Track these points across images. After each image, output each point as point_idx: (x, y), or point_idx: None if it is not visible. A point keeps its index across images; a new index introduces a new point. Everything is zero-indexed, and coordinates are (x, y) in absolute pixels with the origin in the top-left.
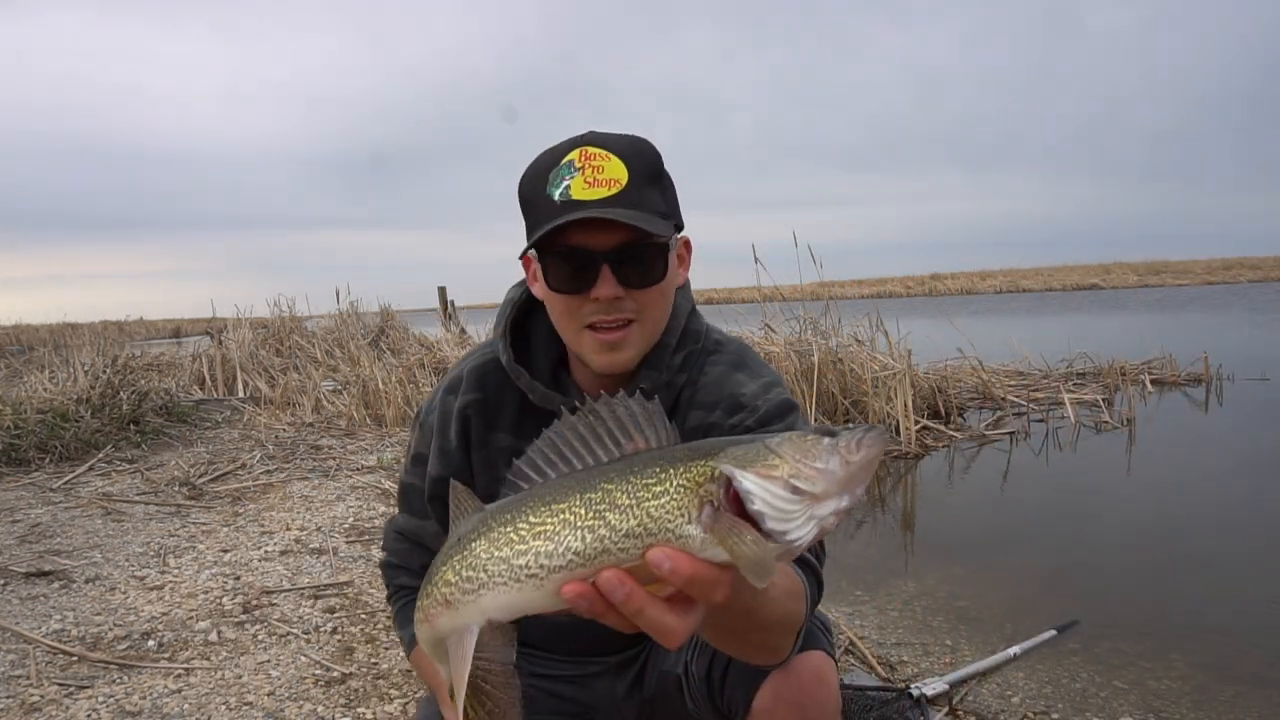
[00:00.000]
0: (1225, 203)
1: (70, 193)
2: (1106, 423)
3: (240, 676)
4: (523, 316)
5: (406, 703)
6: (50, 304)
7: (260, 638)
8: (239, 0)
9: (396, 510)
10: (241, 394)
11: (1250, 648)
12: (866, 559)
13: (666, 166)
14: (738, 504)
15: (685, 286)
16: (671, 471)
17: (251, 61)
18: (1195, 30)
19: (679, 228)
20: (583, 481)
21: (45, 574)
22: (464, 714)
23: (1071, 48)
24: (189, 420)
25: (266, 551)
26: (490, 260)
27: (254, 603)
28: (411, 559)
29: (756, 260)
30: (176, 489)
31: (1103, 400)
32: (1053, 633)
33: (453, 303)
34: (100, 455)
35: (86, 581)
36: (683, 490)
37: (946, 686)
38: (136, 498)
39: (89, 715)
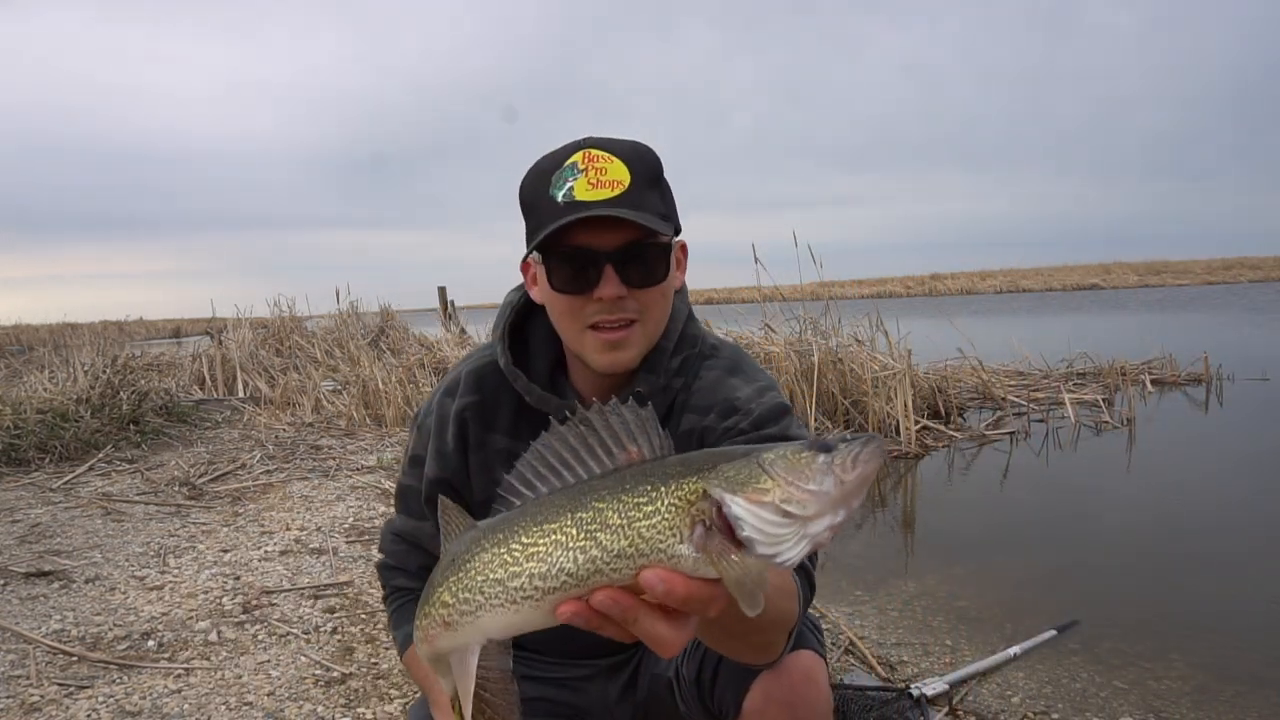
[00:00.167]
0: (1225, 203)
1: (70, 193)
2: (1106, 423)
3: (240, 676)
4: (521, 320)
5: (406, 703)
6: (50, 304)
7: (260, 638)
8: (239, 0)
9: (394, 511)
10: (241, 394)
11: (1250, 648)
12: (866, 559)
13: (667, 167)
14: (729, 522)
15: (682, 290)
16: (663, 489)
17: (252, 61)
18: (1195, 30)
19: (677, 232)
20: (574, 499)
21: (45, 574)
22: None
23: (1071, 48)
24: (189, 420)
25: (266, 551)
26: (490, 260)
27: (254, 603)
28: (408, 560)
29: (756, 260)
30: (176, 489)
31: (1103, 400)
32: (1053, 633)
33: (453, 303)
34: (100, 455)
35: (86, 581)
36: (674, 509)
37: (946, 686)
38: (136, 498)
39: (89, 715)
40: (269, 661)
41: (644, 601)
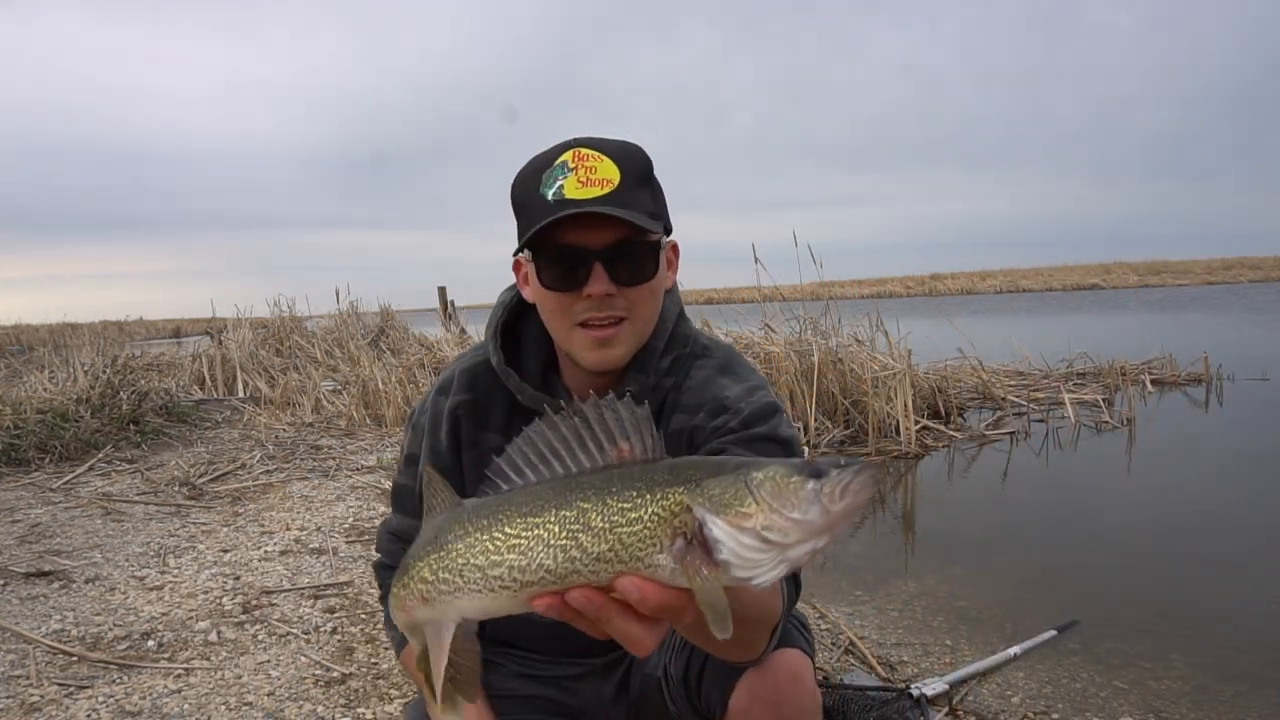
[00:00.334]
0: (1225, 203)
1: (70, 193)
2: (1106, 423)
3: (240, 676)
4: (513, 319)
5: (406, 703)
6: (50, 304)
7: (260, 638)
8: (239, 0)
9: (390, 511)
10: (241, 394)
11: (1250, 648)
12: (866, 559)
13: (668, 166)
14: (708, 542)
15: (673, 290)
16: (649, 497)
17: (252, 61)
18: (1195, 30)
19: (668, 231)
20: (560, 495)
21: (45, 574)
22: (428, 684)
23: (1071, 48)
24: (189, 420)
25: (266, 551)
26: (490, 260)
27: (254, 603)
28: None
29: (756, 260)
30: (176, 489)
31: (1103, 400)
32: (1053, 633)
33: (453, 303)
34: (100, 455)
35: (86, 581)
36: (657, 519)
37: (946, 686)
38: (136, 498)
39: (89, 715)
40: (269, 661)
41: (617, 603)
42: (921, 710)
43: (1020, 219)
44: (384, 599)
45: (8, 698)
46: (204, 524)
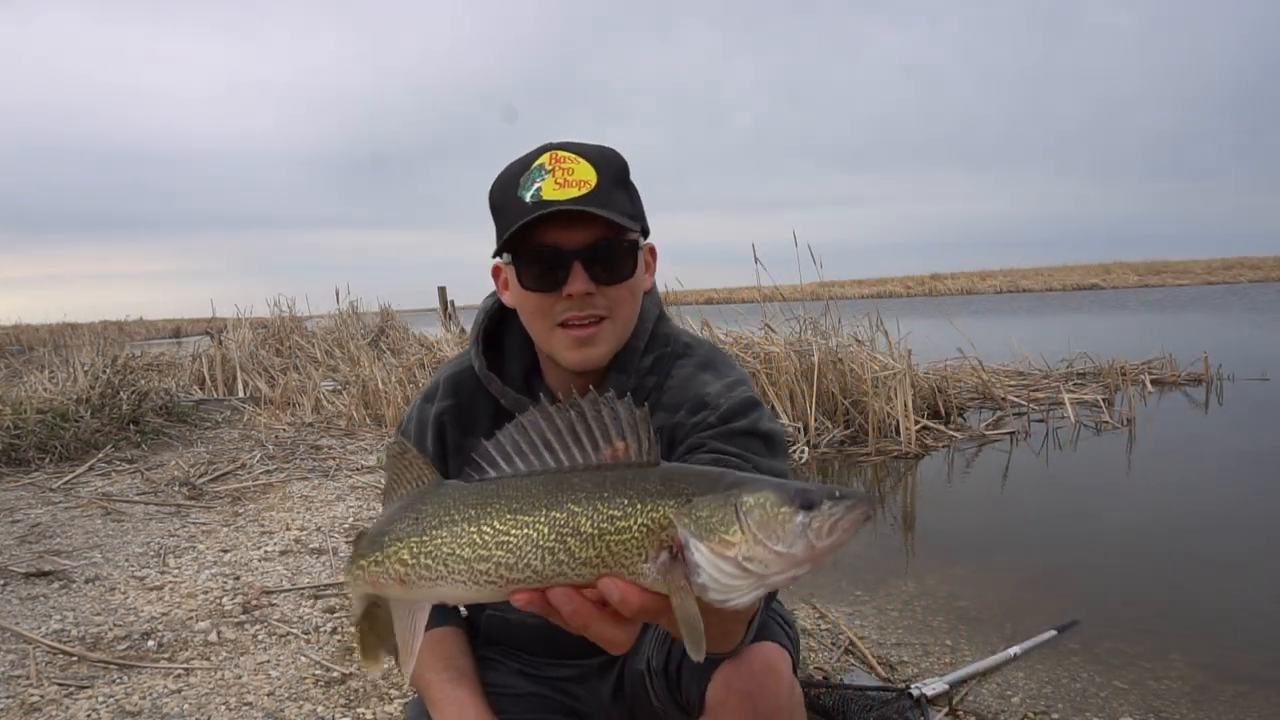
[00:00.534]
0: (1225, 203)
1: (70, 193)
2: (1106, 423)
3: (240, 677)
4: (496, 325)
5: (406, 703)
6: (50, 304)
7: (260, 638)
8: (239, 0)
9: None
10: (241, 394)
11: (1250, 648)
12: (866, 559)
13: (668, 166)
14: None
15: (653, 292)
16: (639, 507)
17: (252, 61)
18: (1195, 30)
19: (645, 234)
20: (551, 494)
21: (45, 574)
22: (362, 640)
23: (1071, 48)
24: (189, 420)
25: (266, 551)
26: (490, 261)
27: (254, 603)
28: None
29: (756, 260)
30: (176, 489)
31: (1103, 400)
32: (1053, 633)
33: (453, 303)
34: (100, 455)
35: (86, 581)
36: (645, 530)
37: (946, 686)
38: (136, 498)
39: (89, 715)
40: (269, 661)
41: (596, 604)
42: (921, 710)
43: (1020, 219)
44: None
45: (8, 698)
46: (204, 524)
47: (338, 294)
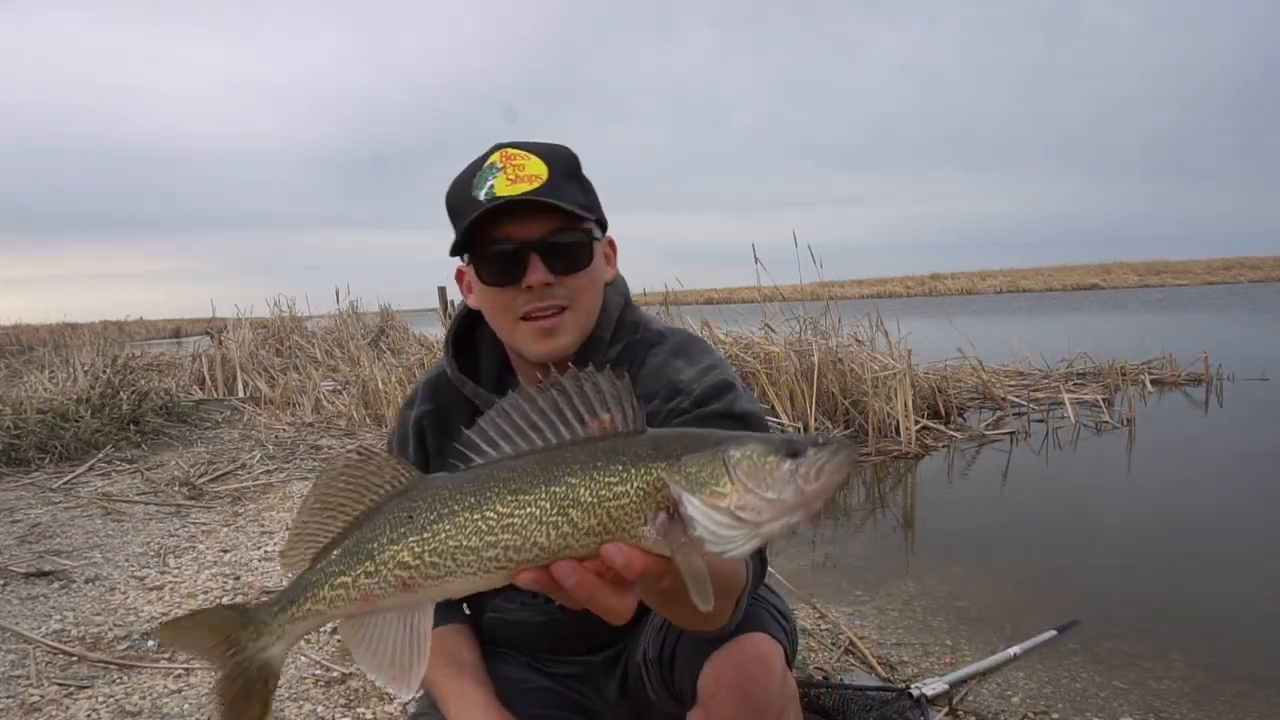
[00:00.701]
0: (1225, 203)
1: (70, 193)
2: (1106, 423)
3: None
4: (468, 329)
5: (406, 703)
6: (50, 304)
7: None
8: (239, 0)
9: None
10: (241, 394)
11: (1250, 648)
12: (866, 559)
13: (668, 166)
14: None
15: (617, 283)
16: (633, 472)
17: (252, 61)
18: (1195, 30)
19: (603, 226)
20: (546, 470)
21: (45, 574)
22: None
23: (1071, 48)
24: (189, 420)
25: (266, 551)
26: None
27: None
28: None
29: (756, 260)
30: (176, 489)
31: (1103, 400)
32: (1053, 633)
33: (453, 303)
34: (100, 455)
35: (86, 581)
36: (641, 494)
37: (946, 686)
38: (136, 498)
39: (89, 715)
40: None
41: (597, 574)
42: (921, 710)
43: (1020, 219)
44: None
45: (8, 698)
46: (204, 524)
47: (338, 294)
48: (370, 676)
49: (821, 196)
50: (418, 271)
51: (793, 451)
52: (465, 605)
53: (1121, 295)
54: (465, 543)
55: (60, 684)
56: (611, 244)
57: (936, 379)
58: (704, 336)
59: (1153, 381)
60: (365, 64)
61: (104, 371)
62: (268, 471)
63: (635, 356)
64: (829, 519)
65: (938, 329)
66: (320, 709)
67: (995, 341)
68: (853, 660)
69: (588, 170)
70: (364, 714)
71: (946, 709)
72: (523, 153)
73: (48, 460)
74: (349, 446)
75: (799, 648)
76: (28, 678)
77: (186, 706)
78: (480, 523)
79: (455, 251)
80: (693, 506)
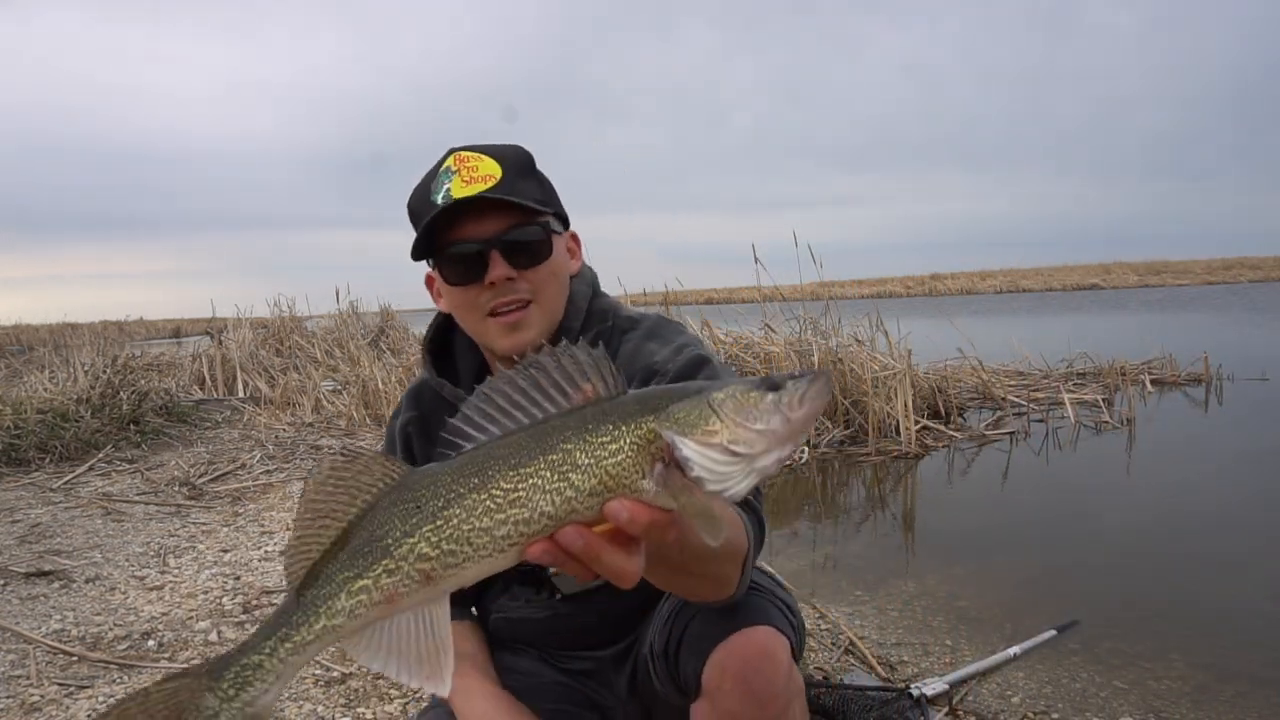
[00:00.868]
0: (1225, 203)
1: (70, 193)
2: (1106, 423)
3: None
4: (445, 335)
5: (406, 703)
6: (50, 304)
7: None
8: (239, 0)
9: None
10: (241, 394)
11: (1250, 648)
12: (866, 559)
13: (668, 166)
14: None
15: (583, 274)
16: (624, 429)
17: (252, 61)
18: (1195, 30)
19: (564, 221)
20: (540, 441)
21: (45, 574)
22: None
23: (1071, 48)
24: (189, 420)
25: (267, 551)
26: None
27: (254, 603)
28: None
29: (756, 260)
30: (176, 489)
31: (1103, 400)
32: (1053, 633)
33: None
34: (100, 455)
35: (86, 581)
36: (636, 448)
37: (946, 686)
38: (136, 498)
39: (89, 715)
40: None
41: (603, 537)
42: (921, 710)
43: (1020, 219)
44: None
45: (8, 698)
46: (204, 524)
47: (338, 294)
48: (403, 681)
49: (821, 196)
50: (418, 272)
51: (773, 385)
52: (473, 608)
53: (1121, 295)
54: (478, 524)
55: (60, 684)
56: (575, 238)
57: (936, 379)
58: (704, 336)
59: (1153, 381)
60: (365, 64)
61: (104, 371)
62: (268, 471)
63: (609, 343)
64: (829, 519)
65: (938, 329)
66: (320, 709)
67: (995, 341)
68: (853, 660)
69: (589, 169)
70: (364, 714)
71: (946, 709)
72: (476, 154)
73: (48, 460)
74: (335, 449)
75: None
76: (28, 678)
77: None
78: (489, 502)
79: (416, 255)
80: (687, 448)
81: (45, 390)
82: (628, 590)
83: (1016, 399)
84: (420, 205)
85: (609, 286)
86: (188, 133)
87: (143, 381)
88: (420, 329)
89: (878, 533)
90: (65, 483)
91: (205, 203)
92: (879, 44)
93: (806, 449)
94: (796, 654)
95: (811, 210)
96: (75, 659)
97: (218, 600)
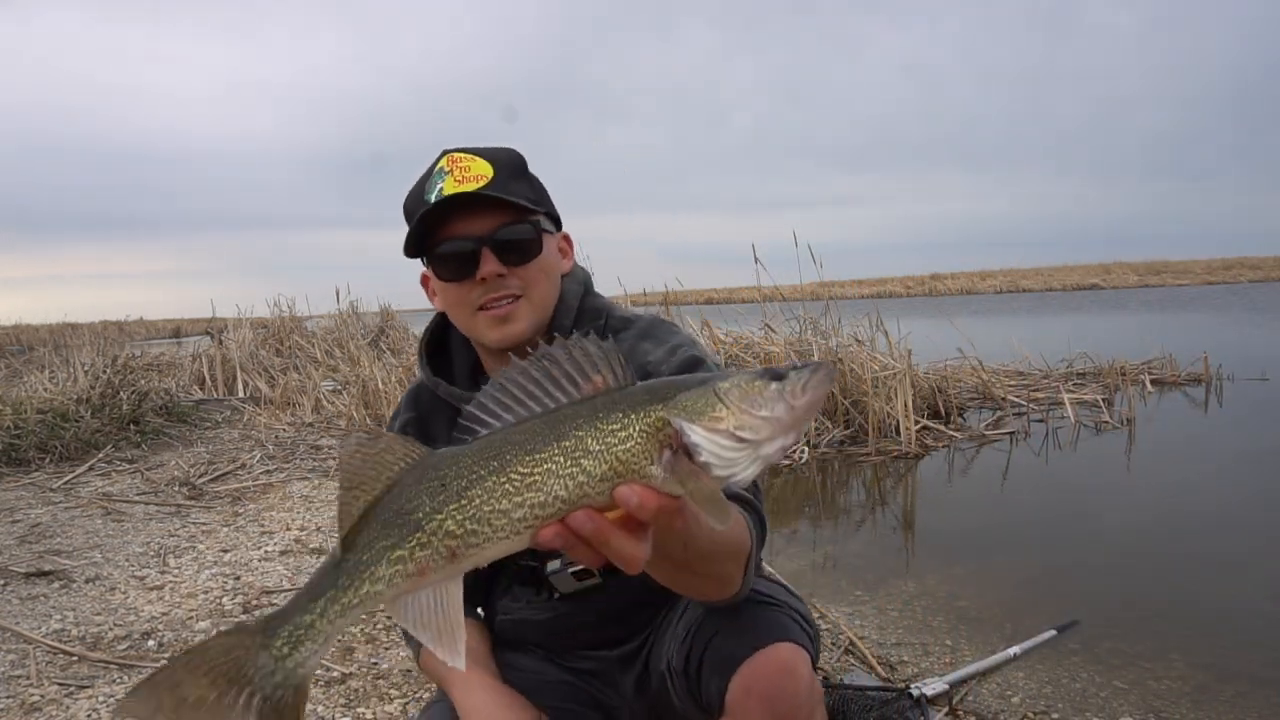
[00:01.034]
0: (1225, 203)
1: (70, 193)
2: (1106, 423)
3: None
4: (441, 335)
5: (406, 703)
6: (50, 304)
7: None
8: (239, 0)
9: None
10: (241, 394)
11: (1250, 648)
12: (866, 559)
13: (667, 166)
14: (689, 448)
15: (575, 274)
16: (633, 417)
17: (252, 61)
18: (1195, 30)
19: (556, 221)
20: (554, 428)
21: (45, 574)
22: None
23: (1071, 48)
24: (189, 420)
25: (266, 551)
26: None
27: (254, 603)
28: None
29: (756, 260)
30: (176, 489)
31: (1103, 400)
32: (1053, 633)
33: None
34: (100, 455)
35: (86, 581)
36: (645, 435)
37: (946, 686)
38: (136, 498)
39: (89, 715)
40: None
41: (612, 522)
42: (921, 710)
43: (1020, 219)
44: None
45: (8, 698)
46: (204, 524)
47: (338, 294)
48: (427, 646)
49: (821, 196)
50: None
51: (776, 375)
52: (479, 609)
53: (1121, 295)
54: (497, 506)
55: (60, 684)
56: (567, 239)
57: (936, 379)
58: (704, 336)
59: (1153, 381)
60: (365, 64)
61: (104, 371)
62: (268, 471)
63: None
64: (829, 519)
65: (938, 329)
66: (320, 709)
67: (995, 341)
68: (853, 660)
69: (589, 169)
70: (364, 714)
71: (946, 709)
72: (469, 155)
73: (48, 460)
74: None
75: None
76: (28, 678)
77: None
78: (507, 485)
79: (409, 252)
80: (695, 434)
81: (45, 390)
82: (623, 590)
83: (1016, 399)
84: (414, 205)
85: (609, 286)
86: (188, 133)
87: (143, 381)
88: (420, 329)
89: (878, 533)
90: (65, 483)
91: (205, 203)
92: (879, 44)
93: (806, 449)
94: (814, 663)
95: (811, 210)
96: (75, 659)
97: (218, 600)
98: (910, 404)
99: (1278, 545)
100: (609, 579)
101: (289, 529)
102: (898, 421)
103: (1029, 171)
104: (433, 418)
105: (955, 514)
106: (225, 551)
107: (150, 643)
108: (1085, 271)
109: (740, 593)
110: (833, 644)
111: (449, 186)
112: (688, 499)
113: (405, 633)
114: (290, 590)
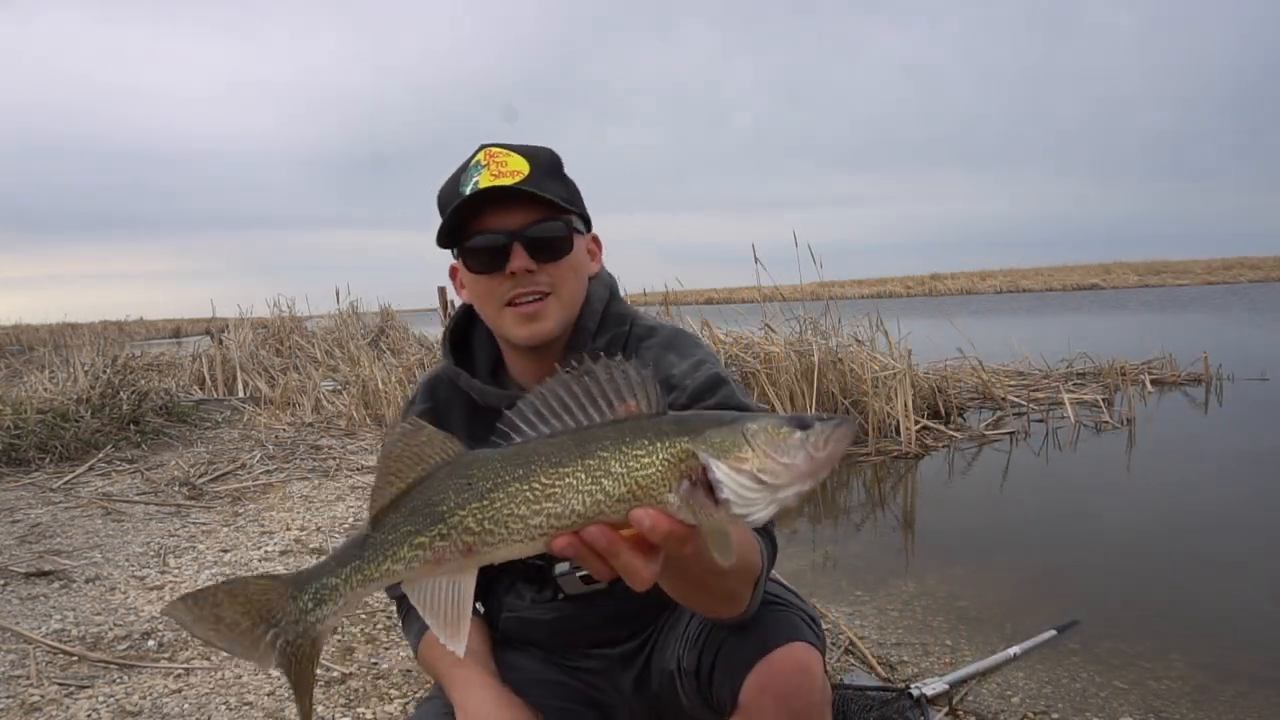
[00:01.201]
0: (1225, 203)
1: (70, 193)
2: (1106, 423)
3: (240, 676)
4: (465, 327)
5: (406, 703)
6: (50, 304)
7: None
8: (239, 0)
9: None
10: (241, 394)
11: (1250, 648)
12: (866, 559)
13: (668, 166)
14: (712, 483)
15: (601, 277)
16: (659, 445)
17: (252, 61)
18: (1195, 30)
19: (587, 222)
20: (582, 446)
21: (45, 574)
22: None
23: (1071, 48)
24: (189, 420)
25: (267, 551)
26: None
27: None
28: None
29: (756, 260)
30: (176, 489)
31: (1103, 400)
32: (1053, 633)
33: (453, 303)
34: (100, 455)
35: (86, 581)
36: (667, 464)
37: (946, 686)
38: (136, 498)
39: (89, 715)
40: None
41: (625, 538)
42: (921, 710)
43: (1020, 219)
44: (399, 601)
45: (8, 698)
46: (204, 524)
47: (338, 294)
48: (432, 630)
49: (821, 196)
50: (418, 272)
51: (802, 424)
52: (481, 605)
53: (1121, 295)
54: (516, 511)
55: (60, 684)
56: (597, 240)
57: (936, 379)
58: (703, 336)
59: (1153, 381)
60: (365, 64)
61: (104, 371)
62: (268, 471)
63: (625, 348)
64: (829, 519)
65: (938, 329)
66: (320, 709)
67: (995, 341)
68: (853, 660)
69: (589, 169)
70: (364, 714)
71: (946, 709)
72: (506, 151)
73: (48, 460)
74: (401, 422)
75: None
76: (28, 678)
77: (187, 706)
78: (529, 492)
79: (442, 242)
80: (720, 471)
81: (45, 390)
82: (630, 594)
83: (1016, 399)
84: (449, 196)
85: None
86: (188, 133)
87: (143, 381)
88: (420, 329)
89: (878, 533)
90: (65, 483)
91: (205, 203)
92: (879, 44)
93: None
94: (823, 664)
95: (811, 210)
96: (75, 659)
97: None
98: (910, 404)
99: (1278, 545)
100: (615, 583)
101: (289, 529)
102: (898, 421)
103: (1029, 171)
104: (449, 409)
105: (955, 514)
106: (225, 551)
107: (150, 643)
108: (1085, 271)
109: (747, 612)
110: (833, 644)
111: (484, 180)
112: (698, 529)
113: (405, 625)
114: None
